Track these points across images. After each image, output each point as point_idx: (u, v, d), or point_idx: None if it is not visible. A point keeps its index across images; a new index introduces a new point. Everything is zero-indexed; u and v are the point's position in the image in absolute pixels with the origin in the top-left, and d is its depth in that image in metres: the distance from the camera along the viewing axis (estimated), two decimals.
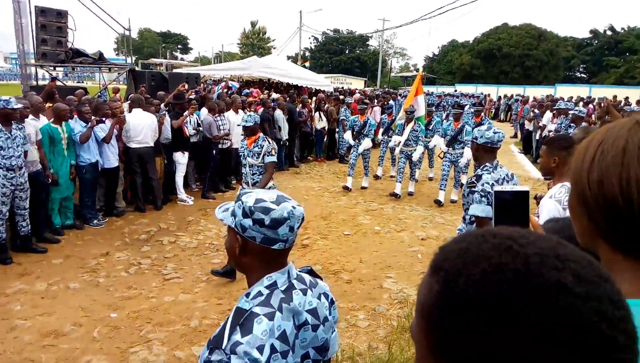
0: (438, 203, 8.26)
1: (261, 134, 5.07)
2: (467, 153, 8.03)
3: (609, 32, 47.41)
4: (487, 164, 3.34)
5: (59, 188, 6.09)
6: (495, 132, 3.32)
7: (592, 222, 0.76)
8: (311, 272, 1.48)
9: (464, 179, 8.54)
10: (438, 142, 9.04)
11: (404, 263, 5.58)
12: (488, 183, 3.20)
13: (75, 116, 6.43)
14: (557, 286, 0.47)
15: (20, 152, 5.24)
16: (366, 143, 9.03)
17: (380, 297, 4.68)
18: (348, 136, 9.25)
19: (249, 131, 5.00)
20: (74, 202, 6.47)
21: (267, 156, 4.93)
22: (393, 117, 10.46)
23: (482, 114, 16.42)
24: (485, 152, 3.35)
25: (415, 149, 8.60)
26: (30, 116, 5.77)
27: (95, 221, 6.55)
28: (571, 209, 0.81)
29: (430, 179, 10.34)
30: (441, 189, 8.34)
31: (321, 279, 1.48)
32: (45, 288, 4.74)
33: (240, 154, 5.14)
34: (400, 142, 8.74)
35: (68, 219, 6.39)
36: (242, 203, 1.31)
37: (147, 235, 6.33)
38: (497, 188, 1.00)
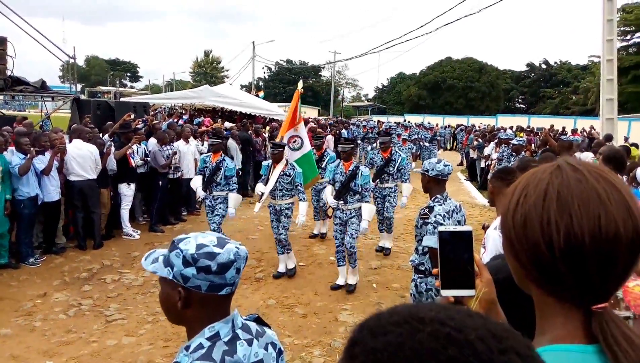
0: (383, 251, 6.84)
1: None
2: (407, 189, 6.86)
3: (543, 66, 50.98)
4: (438, 196, 3.44)
5: None
6: (445, 165, 3.46)
7: (519, 263, 0.77)
8: (258, 320, 1.41)
9: (387, 243, 7.03)
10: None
11: (359, 294, 5.55)
12: (440, 214, 3.29)
13: (12, 147, 6.07)
14: None
15: None
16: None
17: (336, 331, 4.60)
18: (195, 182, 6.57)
19: None
20: (9, 239, 6.04)
21: None
22: (324, 151, 8.02)
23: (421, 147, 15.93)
24: (436, 184, 3.46)
25: (287, 203, 5.89)
26: None
27: (31, 260, 6.11)
28: (504, 251, 0.83)
29: (323, 236, 7.69)
30: (383, 232, 7.02)
31: (269, 327, 1.41)
32: None
33: None
34: (262, 195, 5.94)
35: (2, 258, 5.93)
36: (182, 251, 1.22)
37: (89, 273, 5.96)
38: (441, 228, 1.00)
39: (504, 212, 0.80)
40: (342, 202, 5.57)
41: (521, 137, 12.54)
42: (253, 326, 1.34)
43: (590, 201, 0.70)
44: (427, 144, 16.19)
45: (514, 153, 9.03)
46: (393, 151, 7.09)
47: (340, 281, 5.65)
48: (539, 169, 0.78)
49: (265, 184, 5.90)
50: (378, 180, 6.97)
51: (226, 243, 1.26)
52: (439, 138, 22.00)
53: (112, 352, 4.13)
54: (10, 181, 5.90)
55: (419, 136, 16.73)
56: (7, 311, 4.87)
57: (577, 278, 0.71)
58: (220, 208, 6.36)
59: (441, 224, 3.24)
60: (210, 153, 6.50)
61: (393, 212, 7.05)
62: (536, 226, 0.72)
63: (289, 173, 5.84)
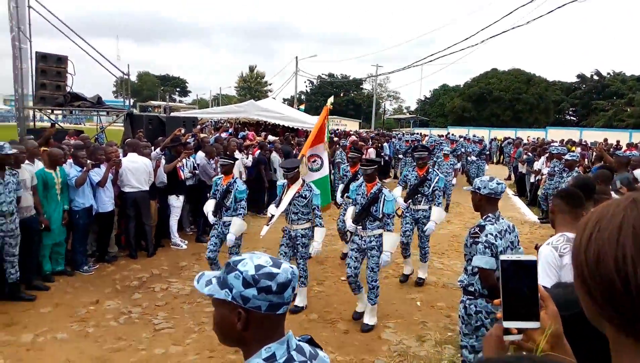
0: (404, 278, 6.37)
1: None
2: (438, 214, 6.15)
3: (595, 77, 48.88)
4: (490, 214, 3.34)
5: (50, 234, 5.98)
6: (498, 183, 3.35)
7: (593, 300, 0.73)
8: (311, 341, 1.41)
9: (421, 272, 6.40)
10: (396, 195, 5.95)
11: (402, 311, 5.45)
12: (492, 234, 3.19)
13: (70, 160, 6.41)
14: None
15: (12, 198, 5.17)
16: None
17: (379, 349, 4.52)
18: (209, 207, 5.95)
19: None
20: (65, 247, 6.36)
21: None
22: (357, 170, 7.04)
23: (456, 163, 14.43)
24: (488, 203, 3.36)
25: (304, 228, 5.35)
26: (26, 161, 5.74)
27: (85, 267, 6.39)
28: (576, 287, 0.79)
29: (344, 257, 7.02)
30: (406, 258, 6.44)
31: (321, 349, 1.41)
32: (31, 339, 4.55)
33: None
34: (272, 217, 5.49)
35: (59, 265, 6.25)
36: (241, 273, 1.24)
37: (139, 282, 6.17)
38: (503, 257, 0.98)
39: (575, 247, 0.77)
40: (360, 227, 5.00)
41: (574, 151, 12.04)
42: (306, 348, 1.34)
43: None
44: (474, 158, 14.80)
45: (566, 169, 8.67)
46: (430, 169, 6.48)
47: (359, 308, 5.16)
48: (612, 202, 0.76)
49: (278, 205, 5.43)
50: (410, 201, 6.38)
51: (281, 263, 1.29)
52: (487, 152, 20.61)
53: (160, 360, 4.23)
54: (67, 192, 6.22)
55: (466, 149, 15.79)
56: (63, 316, 5.10)
57: None
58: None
59: (492, 244, 3.15)
60: (222, 176, 5.98)
61: (428, 242, 6.39)
62: (610, 263, 0.69)
63: (305, 195, 5.29)
